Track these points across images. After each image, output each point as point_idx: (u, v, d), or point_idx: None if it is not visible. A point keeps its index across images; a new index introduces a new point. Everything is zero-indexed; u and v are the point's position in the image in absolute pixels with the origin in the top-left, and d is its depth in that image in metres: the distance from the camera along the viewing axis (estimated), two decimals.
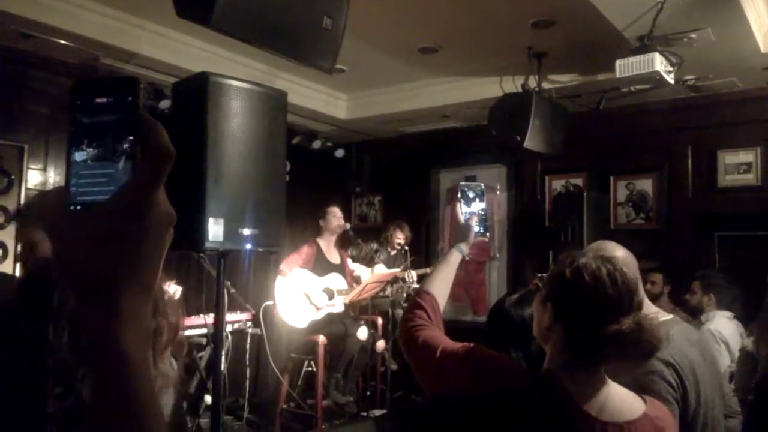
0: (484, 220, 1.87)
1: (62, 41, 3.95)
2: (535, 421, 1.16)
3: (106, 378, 0.49)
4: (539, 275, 1.52)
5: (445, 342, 1.44)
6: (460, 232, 1.79)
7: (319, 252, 4.73)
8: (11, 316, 0.98)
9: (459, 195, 1.89)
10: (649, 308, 1.75)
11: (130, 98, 0.54)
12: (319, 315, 4.56)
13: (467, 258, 1.75)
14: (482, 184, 1.97)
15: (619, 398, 1.23)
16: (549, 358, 1.30)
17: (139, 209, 0.50)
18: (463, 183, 1.95)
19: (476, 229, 1.81)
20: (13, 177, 4.29)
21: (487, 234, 1.89)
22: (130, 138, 0.53)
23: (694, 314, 3.86)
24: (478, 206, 1.88)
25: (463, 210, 1.85)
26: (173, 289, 4.10)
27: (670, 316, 1.83)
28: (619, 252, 1.73)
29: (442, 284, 1.63)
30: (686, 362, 1.59)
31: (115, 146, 0.53)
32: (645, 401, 1.26)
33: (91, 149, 0.54)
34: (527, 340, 1.41)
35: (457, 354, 1.38)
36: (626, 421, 1.19)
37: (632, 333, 1.14)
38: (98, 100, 0.55)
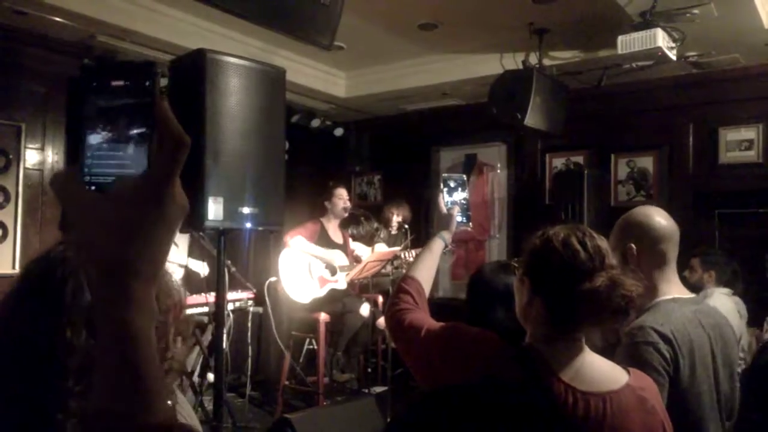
0: (466, 209, 1.93)
1: (56, 18, 3.89)
2: (515, 393, 1.18)
3: (115, 354, 0.53)
4: (515, 259, 1.56)
5: (429, 323, 1.45)
6: (443, 221, 1.84)
7: (323, 231, 4.74)
8: (20, 310, 0.92)
9: (441, 185, 1.95)
10: (681, 291, 1.77)
11: (147, 83, 0.54)
12: (322, 292, 4.58)
13: (450, 247, 1.80)
14: (464, 176, 2.03)
15: (597, 367, 1.25)
16: (529, 333, 1.32)
17: (159, 199, 0.53)
18: (445, 174, 2.01)
19: (458, 218, 1.86)
20: (11, 157, 4.27)
21: (470, 224, 1.95)
22: (145, 123, 0.53)
23: (692, 292, 3.86)
24: (460, 196, 1.93)
25: (445, 199, 1.90)
26: (201, 267, 4.12)
27: (692, 295, 1.84)
28: (657, 217, 1.75)
29: (425, 271, 1.65)
30: (686, 341, 1.59)
31: (129, 130, 0.54)
32: (628, 372, 1.27)
33: (106, 132, 0.54)
34: (510, 303, 1.45)
35: (438, 333, 1.40)
36: (609, 391, 1.20)
37: (606, 289, 1.18)
38: (114, 83, 0.55)
